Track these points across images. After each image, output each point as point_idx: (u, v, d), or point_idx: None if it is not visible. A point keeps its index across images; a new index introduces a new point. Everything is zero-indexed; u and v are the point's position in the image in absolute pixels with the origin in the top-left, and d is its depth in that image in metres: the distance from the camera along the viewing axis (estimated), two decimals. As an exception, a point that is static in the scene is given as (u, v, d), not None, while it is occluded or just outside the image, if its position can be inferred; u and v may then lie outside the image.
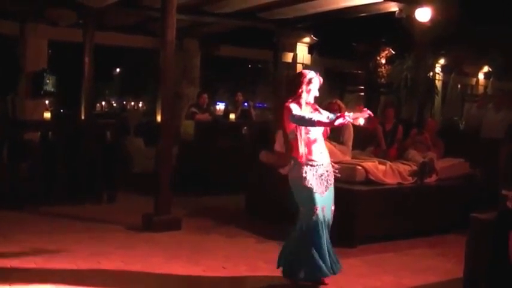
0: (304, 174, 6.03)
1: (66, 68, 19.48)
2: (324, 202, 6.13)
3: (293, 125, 6.01)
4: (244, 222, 9.39)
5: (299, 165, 6.06)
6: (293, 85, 6.22)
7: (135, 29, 15.96)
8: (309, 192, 6.03)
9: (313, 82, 6.11)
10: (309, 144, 6.06)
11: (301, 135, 6.01)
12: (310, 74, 6.17)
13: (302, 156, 6.02)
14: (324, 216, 6.09)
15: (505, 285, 5.41)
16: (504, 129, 10.39)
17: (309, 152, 6.07)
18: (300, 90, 6.09)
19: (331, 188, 6.23)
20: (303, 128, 6.01)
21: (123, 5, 12.63)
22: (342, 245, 7.92)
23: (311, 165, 6.05)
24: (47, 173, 10.43)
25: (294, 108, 5.97)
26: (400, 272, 6.98)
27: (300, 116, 5.90)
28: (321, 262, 6.07)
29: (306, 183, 6.03)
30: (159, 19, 9.30)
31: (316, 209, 6.03)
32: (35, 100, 14.43)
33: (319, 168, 6.10)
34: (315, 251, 6.06)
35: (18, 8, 13.67)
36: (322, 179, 6.11)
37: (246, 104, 16.30)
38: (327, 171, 6.18)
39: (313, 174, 6.06)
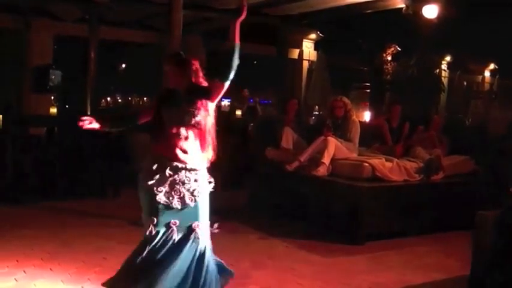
0: (153, 172, 4.76)
1: (71, 63, 19.48)
2: (173, 218, 4.73)
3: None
4: (248, 218, 9.36)
5: (151, 159, 4.87)
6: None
7: (139, 24, 15.96)
8: (151, 197, 4.74)
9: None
10: (169, 137, 4.81)
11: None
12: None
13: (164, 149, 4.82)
14: (167, 236, 4.72)
15: (510, 283, 5.38)
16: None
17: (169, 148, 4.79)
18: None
19: (198, 205, 4.87)
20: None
21: (128, 0, 12.64)
22: (348, 242, 7.92)
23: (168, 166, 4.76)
24: (51, 168, 10.42)
25: None
26: (405, 269, 6.95)
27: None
28: None
29: (151, 184, 4.74)
30: (163, 14, 9.28)
31: (153, 223, 4.71)
32: (41, 95, 14.46)
33: (178, 171, 4.77)
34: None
35: (23, 3, 13.68)
36: (177, 187, 4.74)
37: (251, 100, 16.24)
38: (193, 179, 4.82)
39: (167, 177, 4.74)
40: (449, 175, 9.39)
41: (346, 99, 9.67)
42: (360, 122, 9.98)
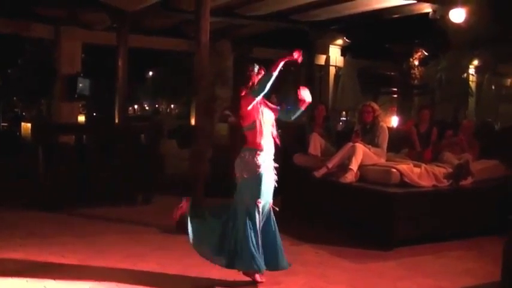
0: (259, 162, 6.24)
1: (99, 71, 19.63)
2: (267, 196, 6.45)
3: (254, 117, 6.23)
4: (279, 224, 9.35)
5: (254, 154, 6.25)
6: (245, 77, 6.43)
7: (168, 32, 16.04)
8: (259, 181, 6.27)
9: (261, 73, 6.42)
10: (262, 134, 6.29)
11: (260, 126, 6.27)
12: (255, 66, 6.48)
13: (260, 144, 6.26)
14: (262, 208, 6.50)
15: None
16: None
17: (264, 142, 6.31)
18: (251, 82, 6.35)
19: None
20: (261, 118, 6.30)
21: (156, 8, 12.71)
22: (378, 248, 7.90)
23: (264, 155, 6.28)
24: (82, 176, 10.51)
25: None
26: (437, 275, 6.91)
27: (259, 82, 6.25)
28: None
29: (260, 170, 6.25)
30: (192, 22, 9.32)
31: (259, 202, 6.36)
32: (70, 103, 14.59)
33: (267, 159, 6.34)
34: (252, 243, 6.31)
35: (53, 12, 13.83)
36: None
37: (279, 106, 16.21)
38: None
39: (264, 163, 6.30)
40: (480, 180, 9.32)
41: (374, 105, 9.68)
42: (388, 128, 9.96)
